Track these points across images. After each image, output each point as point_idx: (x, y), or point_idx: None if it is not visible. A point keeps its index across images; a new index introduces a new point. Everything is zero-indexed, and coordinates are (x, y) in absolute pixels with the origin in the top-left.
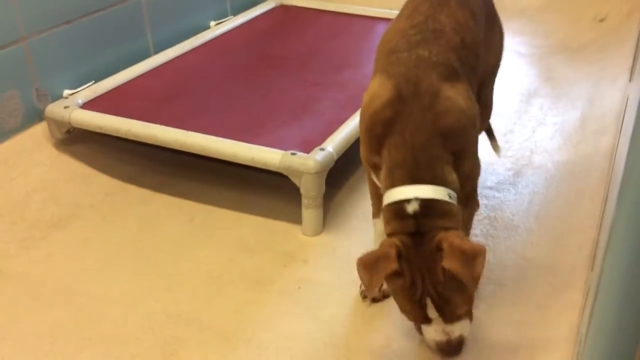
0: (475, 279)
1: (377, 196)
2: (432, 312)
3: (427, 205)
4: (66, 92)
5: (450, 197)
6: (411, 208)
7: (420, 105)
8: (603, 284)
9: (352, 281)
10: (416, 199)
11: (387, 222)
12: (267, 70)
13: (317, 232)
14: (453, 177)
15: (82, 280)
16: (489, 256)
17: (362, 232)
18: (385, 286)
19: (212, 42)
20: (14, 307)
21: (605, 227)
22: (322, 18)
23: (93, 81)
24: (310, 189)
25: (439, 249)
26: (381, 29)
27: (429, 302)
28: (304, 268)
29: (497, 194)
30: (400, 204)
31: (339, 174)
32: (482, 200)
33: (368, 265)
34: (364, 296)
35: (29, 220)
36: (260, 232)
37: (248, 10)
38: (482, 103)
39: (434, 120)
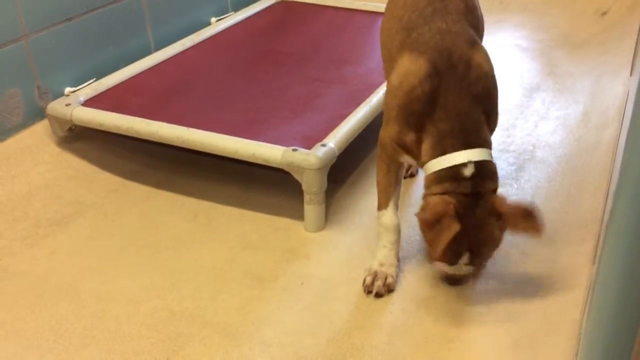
0: (542, 230)
1: (389, 184)
2: (462, 260)
3: (480, 167)
4: (67, 89)
5: (491, 156)
6: (468, 171)
7: (456, 75)
8: (600, 279)
9: (355, 277)
10: (470, 162)
11: (436, 184)
12: (268, 66)
13: (320, 228)
14: (489, 136)
15: (85, 277)
16: None
17: (364, 227)
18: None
19: (213, 38)
20: (17, 304)
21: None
22: (323, 13)
23: (94, 78)
24: (312, 185)
25: (492, 211)
26: (380, 24)
27: (466, 254)
28: (306, 264)
29: (500, 189)
30: (456, 168)
31: (340, 170)
32: None
33: (430, 223)
34: (367, 291)
35: (32, 218)
36: (263, 229)
37: (249, 7)
38: None
39: (468, 88)
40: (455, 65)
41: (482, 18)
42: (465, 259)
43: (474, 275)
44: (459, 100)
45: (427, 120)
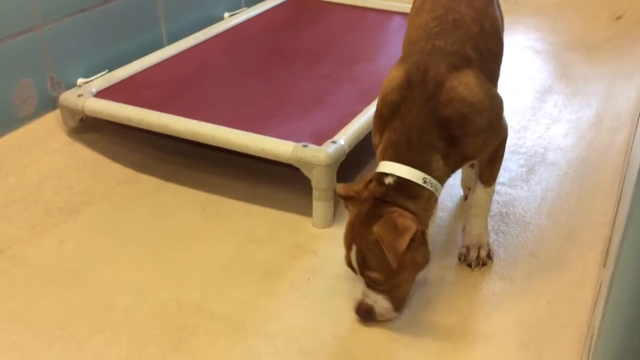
0: (394, 250)
1: None
2: (353, 258)
3: (401, 183)
4: (80, 80)
5: (425, 182)
6: (387, 180)
7: (424, 92)
8: (616, 281)
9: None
10: (392, 174)
11: (370, 182)
12: (280, 62)
13: (328, 225)
14: (439, 165)
15: (93, 267)
16: (499, 252)
17: None
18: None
19: (225, 33)
20: (26, 292)
21: (619, 224)
22: (336, 11)
23: (107, 70)
24: (321, 182)
25: (381, 217)
26: (395, 22)
27: (354, 247)
28: (313, 260)
29: (509, 190)
30: (381, 175)
31: (350, 167)
32: (494, 197)
33: (343, 189)
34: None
35: (42, 206)
36: (271, 224)
37: (262, 2)
38: None
39: (434, 108)
40: (426, 83)
41: (501, 42)
42: (353, 254)
43: (377, 309)
44: (417, 117)
45: (387, 127)
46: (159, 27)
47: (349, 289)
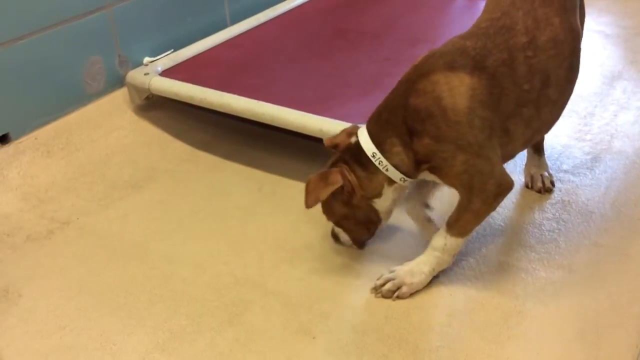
0: (309, 195)
1: None
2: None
3: (358, 147)
4: (146, 59)
5: (374, 156)
6: (353, 140)
7: (411, 77)
8: None
9: (413, 254)
10: (356, 137)
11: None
12: (341, 43)
13: None
14: (395, 149)
15: (155, 239)
16: (559, 240)
17: None
18: None
19: (287, 14)
20: (91, 261)
21: None
22: None
23: (172, 50)
24: None
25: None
26: (459, 2)
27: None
28: (369, 241)
29: (572, 178)
30: (355, 134)
31: None
32: (556, 184)
33: (328, 140)
34: None
35: (108, 180)
36: None
37: None
38: None
39: (407, 94)
40: (418, 68)
41: (562, 63)
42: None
43: (341, 237)
44: (395, 96)
45: None
46: (223, 7)
47: None
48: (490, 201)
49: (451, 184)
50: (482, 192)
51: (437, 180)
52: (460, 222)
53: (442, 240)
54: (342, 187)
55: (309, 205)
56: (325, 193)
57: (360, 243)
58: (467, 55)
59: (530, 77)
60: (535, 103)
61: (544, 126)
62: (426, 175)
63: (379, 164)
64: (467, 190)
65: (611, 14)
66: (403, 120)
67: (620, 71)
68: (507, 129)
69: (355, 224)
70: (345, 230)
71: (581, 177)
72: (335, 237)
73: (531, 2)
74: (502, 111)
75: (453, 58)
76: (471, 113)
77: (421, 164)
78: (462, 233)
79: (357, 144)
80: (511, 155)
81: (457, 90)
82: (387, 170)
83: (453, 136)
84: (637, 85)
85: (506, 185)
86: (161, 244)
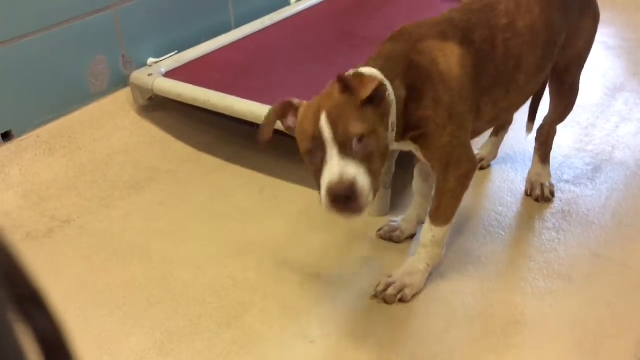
0: (360, 87)
1: None
2: (324, 124)
3: (360, 72)
4: (150, 60)
5: (384, 87)
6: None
7: (407, 37)
8: None
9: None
10: (361, 68)
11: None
12: (345, 48)
13: (384, 213)
14: (399, 92)
15: (155, 240)
16: (559, 250)
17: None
18: None
19: (292, 18)
20: (92, 261)
21: None
22: None
23: (176, 51)
24: None
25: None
26: None
27: (323, 113)
28: (368, 247)
29: (573, 188)
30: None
31: (409, 156)
32: (557, 194)
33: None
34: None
35: (110, 180)
36: None
37: None
38: (567, 87)
39: (409, 51)
40: (411, 35)
41: (579, 45)
42: (324, 119)
43: (360, 182)
44: (393, 50)
45: None
46: (228, 10)
47: None
48: (462, 179)
49: (431, 157)
50: (456, 170)
51: (416, 151)
52: (441, 209)
53: (429, 234)
54: (379, 86)
55: (366, 93)
56: (369, 88)
57: (377, 184)
58: (455, 27)
59: (506, 59)
60: (506, 86)
61: (508, 110)
62: (405, 146)
63: (388, 95)
64: (444, 166)
65: (614, 25)
66: (405, 73)
67: (622, 83)
68: (478, 106)
69: (377, 146)
70: (367, 157)
71: (582, 188)
72: (349, 189)
73: None
74: (479, 88)
75: (443, 29)
76: (461, 82)
77: (408, 132)
78: (445, 220)
79: (361, 72)
80: (477, 133)
81: (450, 58)
82: (390, 105)
83: (448, 102)
84: (639, 97)
85: (475, 162)
86: (161, 244)
